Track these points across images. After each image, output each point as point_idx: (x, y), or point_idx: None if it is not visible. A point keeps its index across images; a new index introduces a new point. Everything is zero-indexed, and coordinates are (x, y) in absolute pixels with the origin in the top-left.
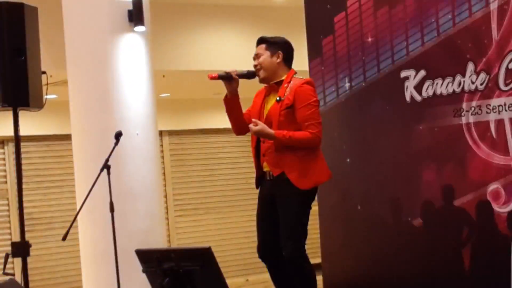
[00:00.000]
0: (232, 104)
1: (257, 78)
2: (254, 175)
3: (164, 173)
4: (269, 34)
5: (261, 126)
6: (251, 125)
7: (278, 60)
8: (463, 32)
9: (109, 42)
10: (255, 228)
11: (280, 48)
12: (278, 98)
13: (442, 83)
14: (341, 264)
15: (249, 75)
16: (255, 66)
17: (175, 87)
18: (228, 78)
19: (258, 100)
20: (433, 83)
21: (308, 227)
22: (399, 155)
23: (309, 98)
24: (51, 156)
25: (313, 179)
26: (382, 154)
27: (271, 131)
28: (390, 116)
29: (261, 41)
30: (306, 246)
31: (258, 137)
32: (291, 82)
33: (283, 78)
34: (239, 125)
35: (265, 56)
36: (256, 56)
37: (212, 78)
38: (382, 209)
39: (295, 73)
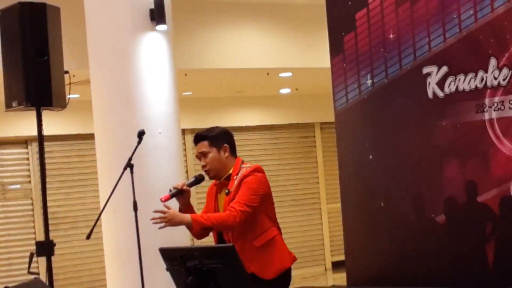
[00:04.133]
0: None
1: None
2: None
3: (186, 172)
4: (290, 31)
5: (170, 215)
6: (156, 220)
7: (226, 154)
8: (485, 27)
9: (131, 41)
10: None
11: (225, 141)
12: (227, 191)
13: (465, 79)
14: (364, 261)
15: (198, 180)
16: (203, 166)
17: (197, 85)
18: (180, 193)
19: (210, 199)
20: (455, 79)
21: (332, 224)
22: (422, 152)
23: (251, 184)
24: (75, 156)
25: (275, 268)
26: (404, 150)
27: (186, 215)
28: (412, 113)
29: (201, 138)
30: (329, 244)
31: (221, 234)
32: (240, 172)
33: (231, 170)
34: (199, 231)
35: (212, 153)
36: (202, 155)
37: (166, 199)
38: (405, 206)
39: (242, 161)
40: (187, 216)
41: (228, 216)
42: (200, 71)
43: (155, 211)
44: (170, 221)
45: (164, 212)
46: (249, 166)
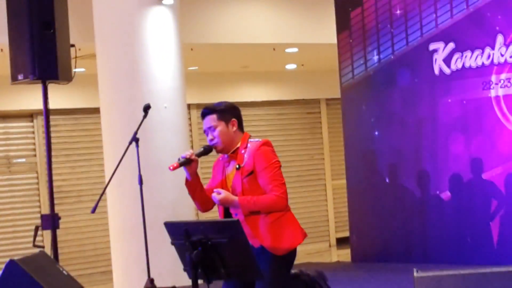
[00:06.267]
0: (195, 186)
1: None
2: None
3: (192, 146)
4: (297, 7)
5: (225, 194)
6: (214, 194)
7: (234, 128)
8: (493, 4)
9: (138, 15)
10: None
11: (233, 115)
12: (237, 166)
13: (471, 56)
14: (369, 237)
15: (206, 151)
16: (211, 140)
17: (203, 60)
18: (189, 162)
19: (217, 172)
20: (462, 56)
21: (336, 200)
22: (427, 128)
23: (268, 160)
24: (80, 130)
25: (287, 244)
26: (410, 127)
27: (235, 197)
28: (418, 89)
29: (209, 112)
30: (333, 220)
31: (227, 209)
32: (248, 146)
33: (239, 144)
34: (205, 203)
35: (221, 127)
36: (210, 129)
37: (174, 168)
38: (410, 182)
39: (250, 136)
40: (236, 200)
41: (279, 199)
42: (206, 46)
43: (215, 190)
44: (223, 196)
45: (219, 191)
46: (257, 141)
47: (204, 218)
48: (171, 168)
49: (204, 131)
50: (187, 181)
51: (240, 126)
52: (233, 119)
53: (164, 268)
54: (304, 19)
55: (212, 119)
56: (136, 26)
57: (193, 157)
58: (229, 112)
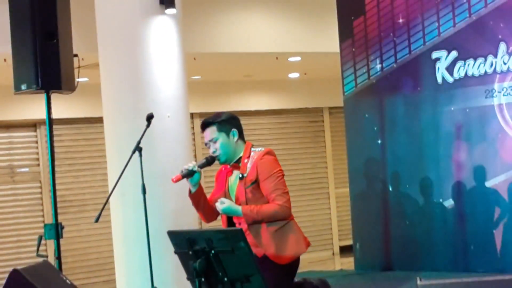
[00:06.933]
0: (198, 197)
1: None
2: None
3: (195, 156)
4: (300, 15)
5: (228, 203)
6: (217, 204)
7: (235, 138)
8: (495, 12)
9: (141, 25)
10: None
11: (233, 125)
12: (240, 176)
13: (474, 64)
14: (372, 246)
15: (209, 162)
16: (213, 151)
17: (206, 69)
18: (191, 174)
19: (220, 182)
20: (464, 64)
21: (340, 209)
22: (430, 136)
23: (271, 169)
24: (83, 139)
25: (291, 253)
26: (413, 135)
27: (238, 207)
28: (421, 97)
29: (208, 124)
30: (337, 228)
31: (230, 218)
32: (251, 155)
33: (242, 154)
34: (209, 213)
35: (222, 139)
36: (211, 142)
37: (177, 180)
38: (413, 190)
39: (252, 145)
40: (239, 209)
41: (282, 209)
42: (209, 55)
43: (219, 199)
44: (226, 205)
45: (223, 202)
46: (260, 150)
47: (208, 227)
48: (174, 180)
49: (206, 144)
50: (190, 193)
51: (241, 136)
52: (234, 129)
53: (167, 277)
54: (307, 28)
55: (212, 131)
56: (139, 35)
57: (196, 168)
58: (229, 123)
